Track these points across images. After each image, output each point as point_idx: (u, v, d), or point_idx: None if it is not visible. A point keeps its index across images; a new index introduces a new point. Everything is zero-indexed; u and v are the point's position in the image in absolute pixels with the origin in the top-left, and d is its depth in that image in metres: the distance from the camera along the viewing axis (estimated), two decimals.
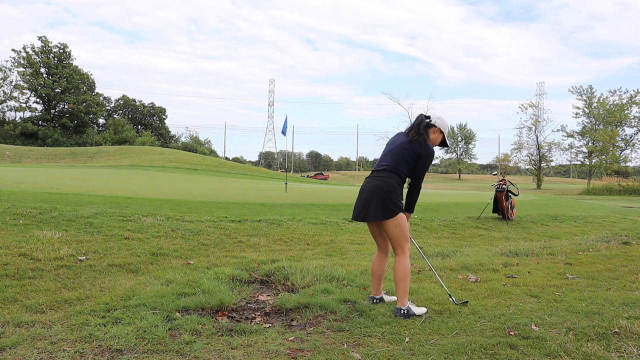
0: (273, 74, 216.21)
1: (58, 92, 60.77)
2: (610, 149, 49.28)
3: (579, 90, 53.15)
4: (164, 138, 75.10)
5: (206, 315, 3.31)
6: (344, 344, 2.84)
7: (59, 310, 3.25)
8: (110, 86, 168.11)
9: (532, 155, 53.36)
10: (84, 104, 62.30)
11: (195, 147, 70.57)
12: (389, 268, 4.16)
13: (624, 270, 5.37)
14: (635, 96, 50.18)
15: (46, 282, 3.88)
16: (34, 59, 60.36)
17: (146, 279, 4.08)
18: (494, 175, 75.39)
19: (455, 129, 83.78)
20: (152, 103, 77.86)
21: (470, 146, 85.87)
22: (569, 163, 58.29)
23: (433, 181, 66.82)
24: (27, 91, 60.71)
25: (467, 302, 3.73)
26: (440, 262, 5.46)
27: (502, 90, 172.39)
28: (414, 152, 3.51)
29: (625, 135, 52.90)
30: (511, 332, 3.04)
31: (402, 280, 3.45)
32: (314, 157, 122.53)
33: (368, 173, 3.75)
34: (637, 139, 52.57)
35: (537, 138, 52.74)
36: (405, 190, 3.64)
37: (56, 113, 62.75)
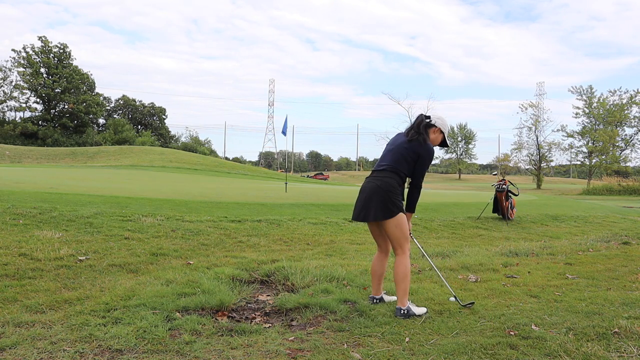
0: (273, 74, 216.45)
1: (58, 92, 60.78)
2: (610, 149, 49.28)
3: (579, 90, 53.18)
4: (164, 138, 75.10)
5: (206, 315, 3.31)
6: (344, 344, 2.84)
7: (59, 310, 3.25)
8: (110, 86, 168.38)
9: (532, 155, 53.38)
10: (84, 104, 62.31)
11: (195, 147, 70.57)
12: (389, 268, 4.16)
13: (624, 270, 5.37)
14: (635, 96, 50.19)
15: (46, 282, 3.88)
16: (34, 59, 60.37)
17: (146, 279, 4.08)
18: (494, 175, 75.39)
19: (455, 129, 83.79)
20: (152, 103, 77.95)
21: (470, 146, 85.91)
22: (569, 163, 58.30)
23: (433, 181, 66.82)
24: (27, 91, 60.75)
25: (473, 303, 3.71)
26: (440, 262, 5.46)
27: (502, 90, 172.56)
28: (413, 151, 3.51)
29: (625, 135, 52.93)
30: (511, 332, 3.04)
31: (402, 280, 3.45)
32: (314, 157, 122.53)
33: (368, 173, 3.75)
34: (637, 139, 52.61)
35: (537, 138, 52.77)
36: (406, 191, 3.64)
37: (56, 113, 62.75)
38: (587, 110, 52.72)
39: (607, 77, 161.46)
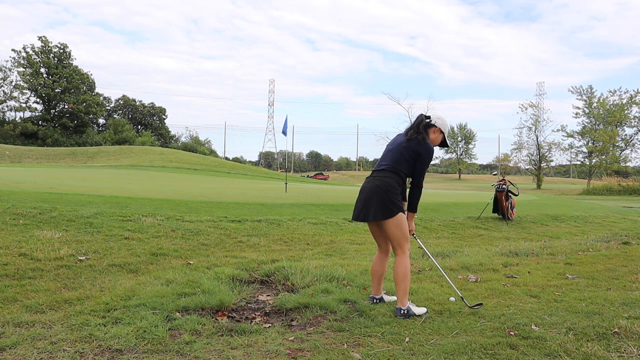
0: (273, 74, 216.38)
1: (58, 92, 60.78)
2: (610, 149, 49.27)
3: (579, 90, 53.18)
4: (164, 138, 75.10)
5: (206, 315, 3.31)
6: (344, 344, 2.84)
7: (59, 310, 3.25)
8: (110, 86, 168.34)
9: (532, 155, 53.38)
10: (84, 104, 62.30)
11: (195, 147, 70.58)
12: (389, 268, 4.16)
13: (624, 270, 5.37)
14: (635, 96, 50.18)
15: (46, 282, 3.88)
16: (34, 59, 60.36)
17: (146, 279, 4.08)
18: (494, 175, 75.38)
19: (455, 129, 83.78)
20: (152, 103, 77.94)
21: (470, 146, 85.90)
22: (569, 163, 58.29)
23: (433, 181, 66.83)
24: (27, 91, 60.73)
25: (481, 304, 3.69)
26: (440, 262, 5.46)
27: (502, 90, 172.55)
28: (412, 150, 3.51)
29: (625, 135, 52.91)
30: (511, 332, 3.04)
31: (402, 280, 3.45)
32: (314, 157, 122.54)
33: (368, 173, 3.75)
34: (637, 139, 52.58)
35: (537, 138, 52.78)
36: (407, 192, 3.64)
37: (56, 113, 62.76)
38: (587, 110, 52.72)
39: (607, 77, 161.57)
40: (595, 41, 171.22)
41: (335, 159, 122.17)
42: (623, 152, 51.95)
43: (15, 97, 60.79)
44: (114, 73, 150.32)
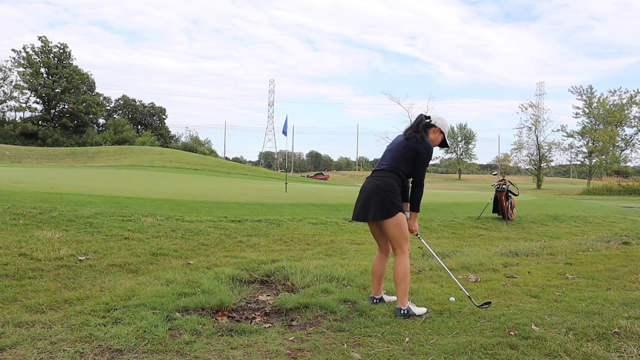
0: (273, 74, 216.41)
1: (58, 92, 60.78)
2: (610, 149, 49.28)
3: (579, 90, 53.19)
4: (164, 138, 75.10)
5: (206, 315, 3.31)
6: (344, 344, 2.84)
7: (59, 310, 3.25)
8: (110, 86, 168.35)
9: (532, 155, 53.40)
10: (84, 104, 62.31)
11: (195, 147, 70.58)
12: (389, 268, 4.16)
13: (624, 270, 5.37)
14: (635, 96, 50.19)
15: (46, 282, 3.88)
16: (34, 59, 60.37)
17: (146, 279, 4.08)
18: (494, 175, 75.39)
19: (455, 129, 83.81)
20: (152, 103, 77.94)
21: (470, 146, 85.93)
22: (569, 163, 58.31)
23: (433, 181, 66.83)
24: (27, 91, 60.74)
25: (489, 302, 3.68)
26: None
27: (502, 90, 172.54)
28: (411, 148, 3.51)
29: (625, 135, 52.93)
30: (511, 332, 3.04)
31: (401, 281, 3.45)
32: (314, 157, 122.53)
33: (368, 173, 3.75)
34: (637, 139, 52.61)
35: (537, 138, 52.80)
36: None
37: (56, 113, 62.76)
38: (587, 110, 52.73)
39: (607, 77, 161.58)
40: (595, 41, 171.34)
41: (335, 159, 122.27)
42: (623, 152, 52.00)
43: (15, 97, 60.85)
44: (114, 73, 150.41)
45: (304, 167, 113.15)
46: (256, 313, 3.50)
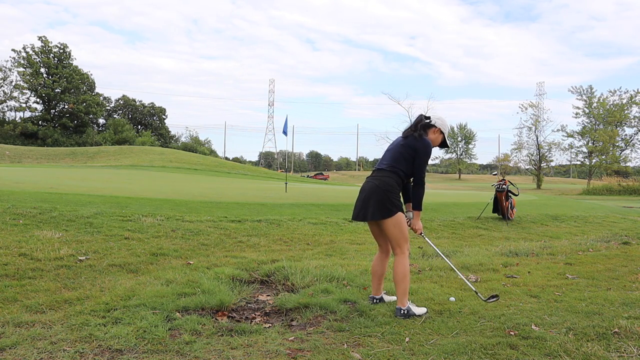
0: (273, 74, 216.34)
1: (58, 92, 60.79)
2: (610, 149, 49.29)
3: (579, 90, 53.21)
4: (164, 138, 75.10)
5: (206, 315, 3.31)
6: (344, 344, 2.84)
7: (59, 310, 3.25)
8: (110, 86, 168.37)
9: (532, 155, 53.42)
10: (84, 104, 62.31)
11: (195, 147, 70.58)
12: (389, 268, 4.16)
13: (624, 270, 5.37)
14: (635, 96, 50.21)
15: (46, 282, 3.88)
16: (34, 59, 60.37)
17: (146, 279, 4.08)
18: (494, 175, 75.37)
19: (455, 129, 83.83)
20: (152, 103, 77.95)
21: (470, 146, 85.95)
22: (569, 163, 58.33)
23: (433, 181, 66.84)
24: (27, 91, 60.74)
25: (497, 295, 3.68)
26: (440, 262, 5.46)
27: (502, 90, 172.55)
28: (410, 147, 3.52)
29: (625, 135, 52.95)
30: (511, 332, 3.04)
31: (401, 281, 3.45)
32: (314, 157, 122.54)
33: (368, 173, 3.75)
34: (637, 139, 52.62)
35: (537, 138, 52.82)
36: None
37: (56, 113, 62.76)
38: (587, 110, 52.74)
39: (607, 77, 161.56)
40: (595, 41, 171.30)
41: (335, 159, 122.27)
42: (623, 152, 52.02)
43: (15, 97, 60.86)
44: (114, 73, 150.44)
45: (304, 167, 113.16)
46: (256, 313, 3.50)
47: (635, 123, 52.01)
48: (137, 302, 3.38)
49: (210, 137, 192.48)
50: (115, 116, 72.03)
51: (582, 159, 53.85)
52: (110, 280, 4.08)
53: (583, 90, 53.12)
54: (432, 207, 10.71)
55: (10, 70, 59.46)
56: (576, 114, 53.73)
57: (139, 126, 75.42)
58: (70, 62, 62.94)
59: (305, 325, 3.20)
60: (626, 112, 50.81)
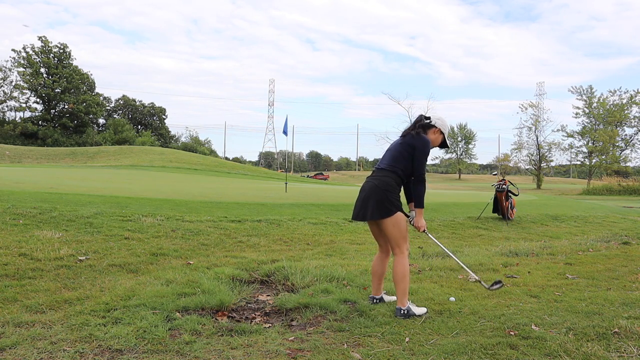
0: (273, 74, 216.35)
1: (58, 92, 60.79)
2: (610, 149, 49.29)
3: (579, 90, 53.20)
4: (164, 138, 75.11)
5: (206, 315, 3.31)
6: (344, 344, 2.84)
7: (59, 310, 3.25)
8: (110, 86, 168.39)
9: (532, 155, 53.40)
10: (84, 104, 62.31)
11: (195, 147, 70.57)
12: (389, 268, 4.16)
13: (624, 270, 5.37)
14: (635, 96, 50.20)
15: (46, 282, 3.88)
16: (34, 59, 60.37)
17: (146, 279, 4.08)
18: (494, 175, 75.37)
19: (455, 129, 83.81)
20: (152, 103, 77.95)
21: (470, 146, 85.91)
22: (569, 163, 58.31)
23: (433, 181, 66.84)
24: (27, 91, 60.74)
25: (500, 281, 3.68)
26: (440, 262, 5.46)
27: (502, 90, 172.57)
28: (407, 144, 3.54)
29: (625, 135, 52.95)
30: (511, 332, 3.04)
31: (401, 281, 3.45)
32: (314, 157, 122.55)
33: (368, 173, 3.76)
34: (637, 139, 52.62)
35: (537, 138, 52.81)
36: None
37: (56, 113, 62.76)
38: (587, 110, 52.74)
39: (607, 77, 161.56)
40: (595, 41, 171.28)
41: (335, 159, 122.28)
42: (623, 152, 52.02)
43: (15, 97, 60.86)
44: (114, 73, 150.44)
45: (304, 167, 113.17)
46: (256, 313, 3.50)
47: (635, 123, 52.04)
48: (137, 302, 3.38)
49: (210, 137, 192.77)
50: (115, 116, 72.04)
51: (582, 159, 53.86)
52: (110, 280, 4.08)
53: (583, 90, 53.14)
54: (432, 207, 10.71)
55: (10, 70, 59.51)
56: (576, 114, 53.77)
57: (139, 126, 75.43)
58: (70, 62, 62.95)
59: (305, 325, 3.20)
60: (626, 112, 50.80)
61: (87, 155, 38.97)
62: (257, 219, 7.46)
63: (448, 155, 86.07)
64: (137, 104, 76.95)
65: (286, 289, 4.07)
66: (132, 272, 4.41)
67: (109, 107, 74.35)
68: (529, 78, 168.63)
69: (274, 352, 2.69)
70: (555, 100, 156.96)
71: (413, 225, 3.61)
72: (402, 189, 3.66)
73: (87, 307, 3.29)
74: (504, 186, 10.36)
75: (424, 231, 3.61)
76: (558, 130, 69.96)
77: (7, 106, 60.84)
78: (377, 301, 3.71)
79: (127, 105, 76.36)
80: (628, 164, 51.30)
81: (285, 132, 14.48)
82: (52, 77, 60.62)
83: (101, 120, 69.77)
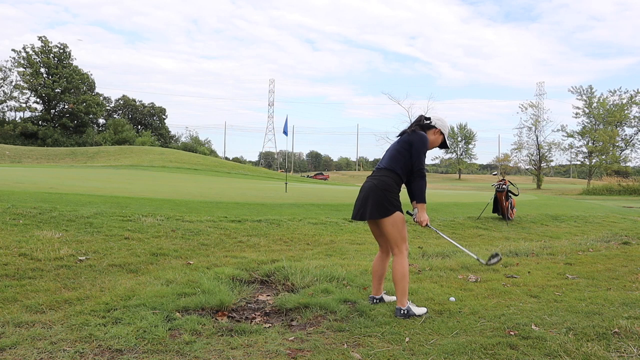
0: (273, 74, 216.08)
1: (58, 92, 60.80)
2: (610, 149, 49.30)
3: (579, 90, 53.20)
4: (164, 138, 75.13)
5: (206, 315, 3.31)
6: (344, 344, 2.84)
7: (59, 310, 3.25)
8: (110, 86, 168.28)
9: (532, 155, 53.41)
10: (84, 104, 62.32)
11: (195, 147, 70.56)
12: (390, 268, 4.16)
13: (624, 270, 5.37)
14: (635, 96, 50.22)
15: (46, 282, 3.88)
16: (34, 59, 60.39)
17: (146, 279, 4.08)
18: (494, 175, 75.27)
19: (455, 129, 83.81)
20: (152, 103, 77.98)
21: (470, 146, 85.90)
22: (569, 163, 58.32)
23: (433, 181, 66.83)
24: (27, 91, 60.77)
25: (497, 255, 3.67)
26: (440, 262, 5.46)
27: (502, 90, 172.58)
28: (404, 141, 3.55)
29: (625, 135, 52.96)
30: (511, 332, 3.04)
31: (400, 281, 3.45)
32: (314, 157, 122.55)
33: (368, 173, 3.77)
34: (637, 139, 52.64)
35: (537, 138, 52.81)
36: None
37: (56, 113, 62.78)
38: (587, 110, 52.75)
39: (607, 77, 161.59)
40: (595, 41, 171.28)
41: (335, 159, 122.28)
42: (623, 152, 52.06)
43: (15, 97, 60.90)
44: (114, 73, 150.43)
45: (304, 167, 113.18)
46: (256, 313, 3.50)
47: (635, 123, 52.05)
48: (137, 302, 3.38)
49: (210, 137, 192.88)
50: (115, 116, 72.07)
51: (582, 159, 53.86)
52: (110, 280, 4.08)
53: (583, 90, 53.14)
54: (432, 207, 10.71)
55: (10, 70, 59.56)
56: (576, 114, 53.78)
57: (139, 126, 75.43)
58: (70, 62, 62.98)
59: (305, 325, 3.20)
60: (626, 112, 50.81)
61: (87, 155, 38.97)
62: (257, 219, 7.46)
63: (448, 155, 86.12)
64: (137, 104, 76.96)
65: (286, 289, 4.07)
66: (132, 272, 4.41)
67: (109, 107, 74.37)
68: (529, 78, 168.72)
69: (274, 352, 2.69)
70: (555, 100, 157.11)
71: (416, 221, 3.58)
72: (402, 188, 3.66)
73: (87, 307, 3.29)
74: (504, 186, 10.36)
75: (426, 225, 3.58)
76: (558, 130, 70.05)
77: (7, 106, 60.92)
78: (377, 301, 3.71)
79: (127, 105, 76.37)
80: (628, 164, 51.35)
81: (285, 132, 14.49)
82: (52, 77, 60.63)
83: (101, 120, 69.82)
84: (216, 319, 3.27)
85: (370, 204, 3.48)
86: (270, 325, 3.23)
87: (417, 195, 3.55)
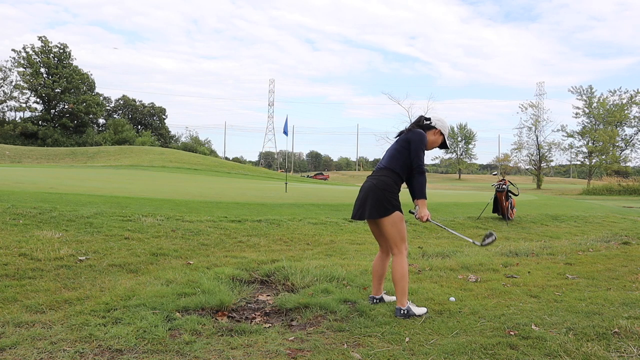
0: (273, 74, 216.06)
1: (58, 92, 60.81)
2: (610, 149, 49.31)
3: (579, 90, 53.22)
4: (164, 138, 75.15)
5: (206, 315, 3.31)
6: (344, 344, 2.84)
7: (59, 310, 3.25)
8: (110, 86, 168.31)
9: (532, 155, 53.42)
10: (84, 104, 62.35)
11: (195, 147, 70.57)
12: (389, 268, 4.16)
13: (624, 270, 5.37)
14: (635, 96, 50.23)
15: (46, 282, 3.88)
16: (34, 59, 60.42)
17: (146, 279, 4.08)
18: (494, 175, 75.26)
19: (455, 129, 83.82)
20: (152, 103, 78.03)
21: (470, 146, 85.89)
22: (569, 163, 58.34)
23: (433, 181, 66.83)
24: (27, 91, 60.79)
25: (491, 234, 3.66)
26: (440, 262, 5.46)
27: (502, 90, 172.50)
28: (403, 140, 3.57)
29: (625, 135, 52.98)
30: (511, 332, 3.04)
31: (399, 281, 3.45)
32: (314, 157, 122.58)
33: (368, 173, 3.78)
34: (637, 139, 52.65)
35: (537, 138, 52.82)
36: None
37: (56, 113, 62.79)
38: (587, 110, 52.77)
39: (607, 77, 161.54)
40: (595, 41, 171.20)
41: (335, 159, 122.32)
42: (623, 152, 52.08)
43: (15, 97, 60.92)
44: (114, 73, 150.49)
45: (304, 167, 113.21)
46: (256, 313, 3.50)
47: (635, 123, 52.07)
48: (137, 302, 3.38)
49: (210, 137, 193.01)
50: (115, 116, 72.10)
51: (582, 159, 53.87)
52: (110, 280, 4.08)
53: (583, 90, 53.16)
54: (432, 207, 10.71)
55: (10, 70, 59.59)
56: (576, 114, 53.80)
57: (139, 126, 75.45)
58: (70, 62, 63.00)
59: (305, 325, 3.20)
60: (626, 112, 50.83)
61: (87, 155, 38.97)
62: (257, 219, 7.46)
63: (448, 155, 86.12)
64: (137, 104, 76.99)
65: (286, 289, 4.07)
66: (132, 272, 4.41)
67: (109, 107, 74.40)
68: (529, 78, 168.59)
69: (274, 352, 2.69)
70: (555, 100, 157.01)
71: (417, 217, 3.56)
72: (403, 188, 3.66)
73: (87, 307, 3.29)
74: (504, 186, 10.36)
75: (427, 220, 3.57)
76: (558, 130, 70.02)
77: (7, 106, 60.95)
78: (377, 301, 3.71)
79: (127, 105, 76.38)
80: (628, 164, 51.38)
81: (285, 132, 14.50)
82: (52, 77, 60.64)
83: (101, 120, 69.86)
84: (216, 319, 3.27)
85: (369, 204, 3.48)
86: (270, 325, 3.23)
87: (417, 191, 3.53)
